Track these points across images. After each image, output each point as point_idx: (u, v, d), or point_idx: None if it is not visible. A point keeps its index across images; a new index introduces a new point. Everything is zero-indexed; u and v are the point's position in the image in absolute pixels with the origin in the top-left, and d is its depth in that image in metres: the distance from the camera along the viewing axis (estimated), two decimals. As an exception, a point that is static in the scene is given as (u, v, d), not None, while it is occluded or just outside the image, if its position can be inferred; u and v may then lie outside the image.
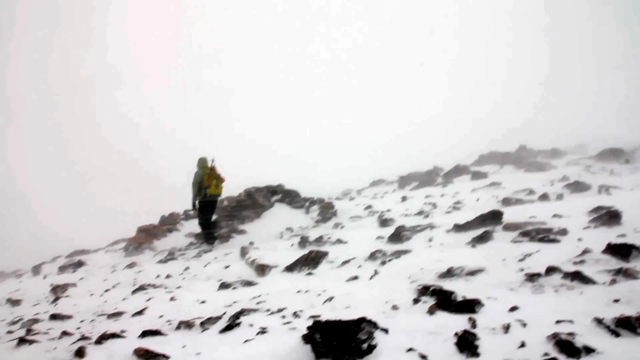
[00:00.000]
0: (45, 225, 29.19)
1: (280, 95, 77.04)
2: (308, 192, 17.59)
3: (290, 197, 16.84)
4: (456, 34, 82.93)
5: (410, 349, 3.53)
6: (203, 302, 6.67)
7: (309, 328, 3.75)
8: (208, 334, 4.90)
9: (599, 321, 3.54)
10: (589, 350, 3.13)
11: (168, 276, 9.45)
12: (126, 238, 15.91)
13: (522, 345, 3.37)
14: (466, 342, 3.46)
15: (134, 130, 67.37)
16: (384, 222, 11.61)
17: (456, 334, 3.60)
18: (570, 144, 26.30)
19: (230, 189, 15.38)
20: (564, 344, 3.21)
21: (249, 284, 7.42)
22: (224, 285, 7.44)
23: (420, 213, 12.15)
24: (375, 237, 9.53)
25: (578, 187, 12.43)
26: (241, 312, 5.27)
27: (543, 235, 6.94)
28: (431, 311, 4.36)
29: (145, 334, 4.94)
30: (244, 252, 10.13)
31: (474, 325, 3.85)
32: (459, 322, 3.97)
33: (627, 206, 7.50)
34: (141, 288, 8.49)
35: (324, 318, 4.12)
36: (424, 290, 5.07)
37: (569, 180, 13.75)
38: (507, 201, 11.66)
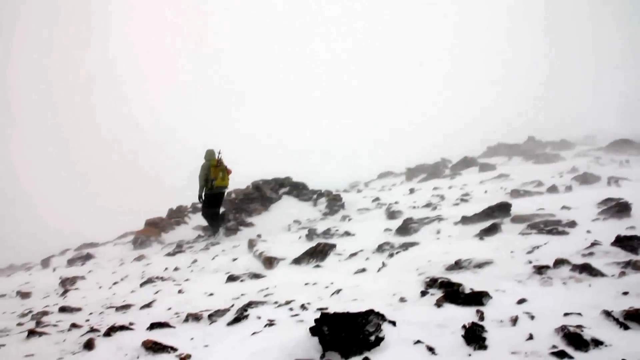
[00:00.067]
0: (47, 224, 29.34)
1: (280, 95, 77.06)
2: (315, 184, 17.58)
3: (298, 190, 16.81)
4: (456, 34, 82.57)
5: (417, 342, 3.53)
6: (211, 294, 6.69)
7: (316, 320, 3.76)
8: (216, 326, 4.92)
9: (608, 314, 3.52)
10: (597, 342, 3.12)
11: (176, 269, 9.49)
12: (134, 231, 15.97)
13: (530, 337, 3.36)
14: (474, 334, 3.45)
15: (134, 130, 67.60)
16: (391, 215, 11.59)
17: (464, 326, 3.60)
18: (579, 135, 26.13)
19: (237, 182, 15.41)
20: (572, 336, 3.20)
21: (256, 276, 7.44)
22: (231, 278, 7.46)
23: (428, 205, 12.11)
24: (383, 230, 9.51)
25: (587, 178, 12.34)
26: (249, 305, 5.29)
27: (551, 227, 6.91)
28: (439, 303, 4.35)
29: (153, 326, 4.97)
30: (251, 244, 10.15)
31: (481, 318, 3.84)
32: (466, 314, 3.96)
33: (637, 198, 7.43)
34: (149, 281, 8.53)
35: (331, 310, 4.13)
36: (432, 283, 5.06)
37: (578, 171, 13.66)
38: (515, 193, 11.60)
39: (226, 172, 13.05)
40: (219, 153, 13.09)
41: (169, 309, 6.23)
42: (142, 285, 8.42)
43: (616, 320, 3.43)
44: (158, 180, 39.27)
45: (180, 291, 7.30)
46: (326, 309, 4.79)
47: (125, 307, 6.73)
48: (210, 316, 5.25)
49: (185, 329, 4.92)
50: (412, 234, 8.71)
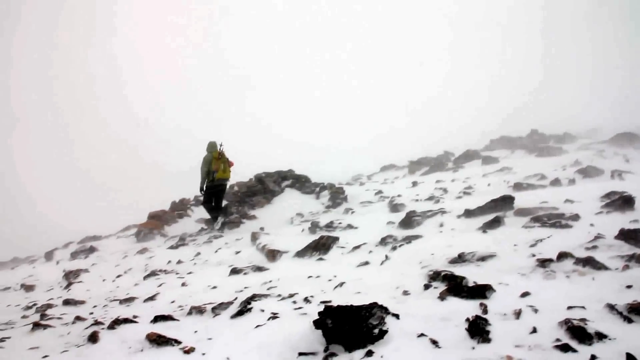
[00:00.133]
0: (50, 220, 29.39)
1: (281, 95, 76.88)
2: (318, 177, 17.59)
3: (301, 183, 16.83)
4: (456, 33, 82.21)
5: (421, 335, 3.54)
6: (214, 287, 6.71)
7: (320, 313, 3.76)
8: (219, 319, 4.93)
9: (612, 307, 3.52)
10: (601, 336, 3.12)
11: (179, 262, 9.51)
12: (137, 224, 16.00)
13: (534, 331, 3.36)
14: (477, 327, 3.46)
15: (137, 126, 67.62)
16: (394, 208, 11.59)
17: (467, 319, 3.60)
18: (582, 128, 26.04)
19: (238, 174, 15.41)
20: (576, 329, 3.20)
21: (259, 269, 7.45)
22: (234, 271, 7.48)
23: (431, 198, 12.10)
24: (386, 223, 9.52)
25: (590, 172, 12.32)
26: (252, 298, 5.30)
27: (555, 220, 6.90)
28: (442, 297, 4.35)
29: (157, 319, 4.98)
30: (254, 237, 10.16)
31: (485, 311, 3.84)
32: (470, 307, 3.97)
33: (641, 191, 7.42)
34: (153, 274, 8.56)
35: (335, 303, 4.14)
36: (435, 276, 5.07)
37: (581, 165, 13.63)
38: (518, 186, 11.58)
39: (227, 164, 13.08)
40: (221, 145, 13.12)
41: (173, 301, 6.25)
42: (145, 278, 8.44)
43: (620, 313, 3.43)
44: (161, 174, 39.27)
45: (183, 284, 7.32)
46: (329, 302, 4.80)
47: (129, 300, 6.76)
48: (213, 309, 5.26)
49: (189, 322, 4.93)
50: (415, 227, 8.71)
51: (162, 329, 4.54)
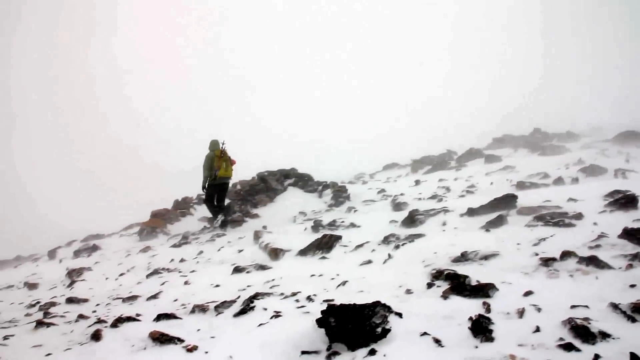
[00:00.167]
0: (51, 221, 29.44)
1: (281, 95, 76.95)
2: (321, 176, 17.60)
3: (303, 181, 16.82)
4: (456, 33, 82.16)
5: (424, 333, 3.53)
6: (217, 286, 6.72)
7: (323, 312, 3.76)
8: (222, 317, 4.94)
9: (615, 306, 3.51)
10: (604, 335, 3.11)
11: (182, 260, 9.52)
12: (140, 222, 16.03)
13: (537, 330, 3.35)
14: (481, 326, 3.45)
15: (138, 125, 67.73)
16: (397, 206, 11.58)
17: (470, 318, 3.60)
18: (585, 127, 26.01)
19: (240, 173, 15.42)
20: (579, 329, 3.19)
21: (262, 268, 7.45)
22: (237, 270, 7.48)
23: (433, 197, 12.09)
24: (389, 221, 9.51)
25: (594, 170, 12.30)
26: (255, 296, 5.30)
27: (558, 219, 6.88)
28: (445, 295, 4.35)
29: (160, 317, 4.99)
30: (257, 236, 10.16)
31: (488, 310, 3.84)
32: (473, 306, 3.96)
33: (644, 190, 7.40)
34: (155, 272, 8.57)
35: (338, 302, 4.14)
36: (438, 275, 5.06)
37: (585, 163, 13.61)
38: (521, 185, 11.57)
39: (229, 162, 13.09)
40: (223, 144, 13.12)
41: (175, 300, 6.26)
42: (148, 276, 8.45)
43: (623, 312, 3.42)
44: (161, 174, 39.34)
45: (186, 282, 7.33)
46: (332, 300, 4.80)
47: (132, 298, 6.77)
48: (216, 307, 5.26)
49: (192, 320, 4.94)
50: (417, 226, 8.70)
51: (165, 327, 4.55)
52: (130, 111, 75.71)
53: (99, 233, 17.15)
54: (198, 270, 8.36)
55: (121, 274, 9.26)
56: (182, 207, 16.96)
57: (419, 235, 7.58)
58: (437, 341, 3.41)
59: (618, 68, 44.65)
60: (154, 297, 6.60)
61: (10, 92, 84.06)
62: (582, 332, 3.16)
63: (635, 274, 4.25)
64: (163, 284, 7.57)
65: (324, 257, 7.57)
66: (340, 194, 14.81)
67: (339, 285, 5.55)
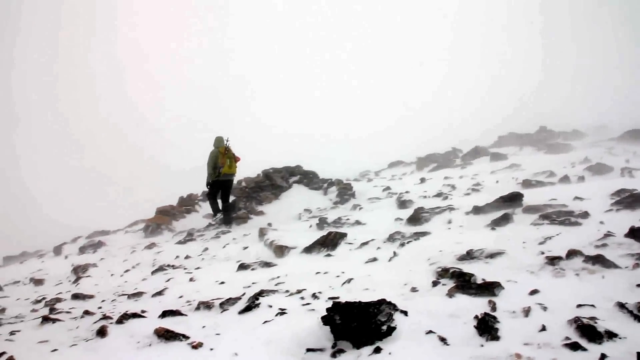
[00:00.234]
0: (55, 220, 29.53)
1: (281, 95, 76.90)
2: (326, 173, 17.58)
3: (309, 179, 16.82)
4: (456, 33, 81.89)
5: (429, 332, 3.53)
6: (222, 283, 6.72)
7: (328, 309, 3.76)
8: (227, 314, 4.94)
9: (622, 306, 3.49)
10: (611, 335, 3.10)
11: (187, 257, 9.54)
12: (145, 219, 16.06)
13: (543, 329, 3.34)
14: (486, 325, 3.45)
15: (140, 124, 67.82)
16: (402, 204, 11.57)
17: (476, 316, 3.59)
18: (591, 125, 25.89)
19: (243, 171, 15.42)
20: (585, 328, 3.18)
21: (267, 265, 7.46)
22: (242, 266, 7.49)
23: (439, 195, 12.07)
24: (394, 219, 9.50)
25: (600, 169, 12.25)
26: (260, 293, 5.30)
27: (564, 218, 6.87)
28: (450, 294, 4.34)
29: (165, 314, 5.00)
30: (262, 233, 10.16)
31: (494, 309, 3.82)
32: (478, 305, 3.95)
33: (651, 189, 7.37)
34: (161, 269, 8.58)
35: (343, 300, 4.14)
36: (443, 273, 5.05)
37: (591, 162, 13.56)
38: (527, 183, 11.54)
39: (234, 159, 13.09)
40: (227, 140, 13.13)
41: (181, 297, 6.27)
42: (153, 273, 8.47)
43: (630, 312, 3.40)
44: (163, 173, 39.41)
45: (191, 279, 7.34)
46: (337, 298, 4.80)
47: (137, 294, 6.78)
48: (221, 304, 5.27)
49: (197, 317, 4.94)
50: (423, 224, 8.69)
51: (170, 324, 4.56)
52: (131, 110, 75.82)
53: (104, 229, 17.19)
54: (203, 267, 8.38)
55: (126, 271, 9.29)
56: (187, 203, 16.99)
57: (424, 233, 7.58)
58: (443, 339, 3.41)
59: (618, 68, 44.45)
60: (159, 293, 6.61)
61: (12, 92, 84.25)
62: (589, 331, 3.14)
63: (642, 273, 4.23)
64: (168, 280, 7.59)
65: (329, 255, 7.56)
66: (345, 192, 14.81)
67: (344, 283, 5.54)
